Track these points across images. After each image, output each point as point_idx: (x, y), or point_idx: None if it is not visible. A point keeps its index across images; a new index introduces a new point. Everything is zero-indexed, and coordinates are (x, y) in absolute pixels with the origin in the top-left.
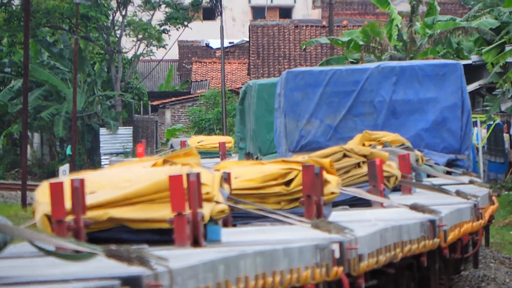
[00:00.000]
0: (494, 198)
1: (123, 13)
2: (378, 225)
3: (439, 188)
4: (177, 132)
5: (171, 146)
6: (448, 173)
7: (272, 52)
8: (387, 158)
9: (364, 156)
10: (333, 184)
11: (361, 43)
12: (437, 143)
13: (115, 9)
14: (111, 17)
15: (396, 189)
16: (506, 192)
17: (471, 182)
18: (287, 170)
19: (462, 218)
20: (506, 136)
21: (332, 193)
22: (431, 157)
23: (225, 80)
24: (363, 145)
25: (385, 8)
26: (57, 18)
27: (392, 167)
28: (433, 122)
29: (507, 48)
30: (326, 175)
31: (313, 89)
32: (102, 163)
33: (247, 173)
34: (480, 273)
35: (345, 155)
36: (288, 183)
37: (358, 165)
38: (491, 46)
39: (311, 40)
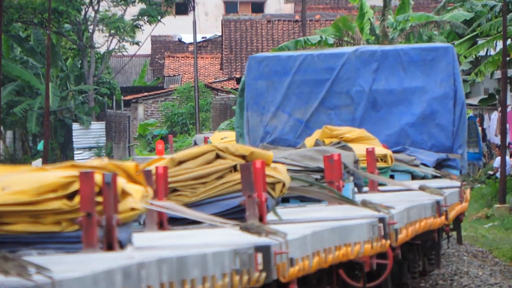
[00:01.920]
0: (466, 193)
1: (96, 8)
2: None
3: (344, 199)
4: (150, 127)
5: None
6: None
7: (244, 46)
8: (271, 159)
9: (243, 157)
10: (135, 197)
11: (331, 41)
12: (425, 140)
13: (87, 4)
14: (83, 12)
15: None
16: (479, 185)
17: (421, 188)
18: (71, 178)
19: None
20: (479, 129)
21: (133, 209)
22: (417, 157)
23: (198, 75)
24: (323, 143)
25: (357, 2)
26: (29, 13)
27: (279, 171)
28: (420, 115)
29: (480, 41)
30: (127, 185)
31: (280, 78)
32: (75, 158)
33: (20, 182)
34: (453, 266)
35: (218, 156)
36: (71, 196)
37: (234, 168)
38: (463, 39)
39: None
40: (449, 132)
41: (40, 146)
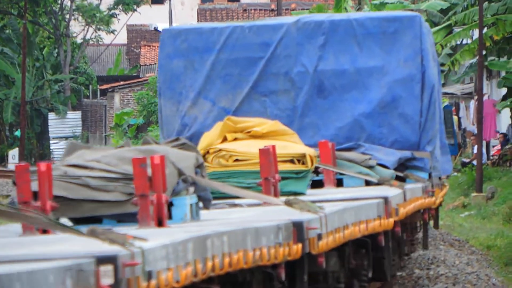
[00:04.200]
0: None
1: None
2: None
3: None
4: (126, 117)
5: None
6: (401, 178)
7: None
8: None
9: None
10: None
11: None
12: (385, 135)
13: None
14: (60, 1)
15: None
16: (455, 174)
17: (288, 204)
18: None
19: None
20: (455, 118)
21: None
22: (373, 155)
23: None
24: (224, 138)
25: None
26: (5, 3)
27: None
28: (379, 103)
29: (455, 30)
30: None
31: (202, 56)
32: (51, 148)
33: None
34: (430, 255)
35: None
36: None
37: None
38: (439, 27)
39: None
40: (415, 124)
41: (18, 133)
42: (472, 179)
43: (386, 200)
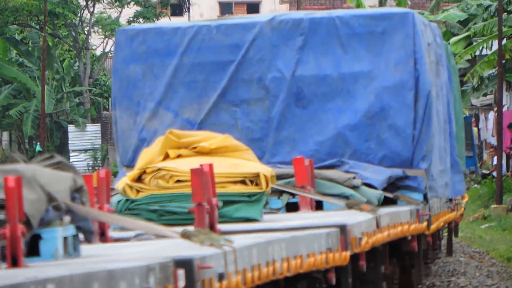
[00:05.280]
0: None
1: (91, 10)
2: None
3: None
4: None
5: None
6: (391, 200)
7: None
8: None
9: None
10: None
11: None
12: (372, 150)
13: (83, 6)
14: (79, 14)
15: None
16: (476, 186)
17: (186, 236)
18: None
19: None
20: (474, 130)
21: None
22: (359, 174)
23: None
24: (166, 155)
25: (352, 2)
26: (25, 16)
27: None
28: (366, 113)
29: (475, 42)
30: None
31: (163, 60)
32: (71, 160)
33: None
34: (450, 267)
35: None
36: None
37: None
38: (459, 37)
39: None
40: (408, 138)
41: (38, 148)
42: (492, 191)
43: (343, 229)
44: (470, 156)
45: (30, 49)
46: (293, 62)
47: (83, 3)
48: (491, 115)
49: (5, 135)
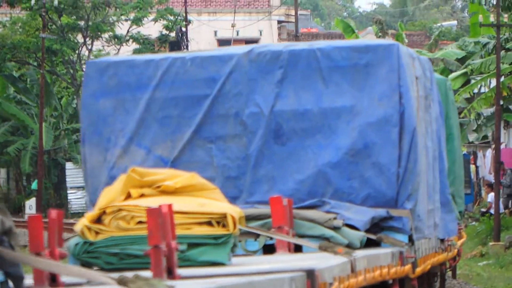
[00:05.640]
0: None
1: (90, 47)
2: None
3: None
4: None
5: None
6: (375, 242)
7: None
8: None
9: None
10: None
11: None
12: (355, 189)
13: (81, 43)
14: (77, 51)
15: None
16: (474, 223)
17: (122, 283)
18: None
19: None
20: (472, 167)
21: None
22: (340, 214)
23: None
24: (128, 195)
25: (351, 39)
26: (23, 53)
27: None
28: (348, 150)
29: (473, 80)
30: None
31: (134, 94)
32: (68, 198)
33: None
34: None
35: None
36: None
37: None
38: (457, 73)
39: None
40: (392, 176)
41: (34, 185)
42: (490, 228)
43: (310, 273)
44: (467, 194)
45: (28, 86)
46: (271, 97)
47: (81, 40)
48: (489, 152)
49: (3, 172)
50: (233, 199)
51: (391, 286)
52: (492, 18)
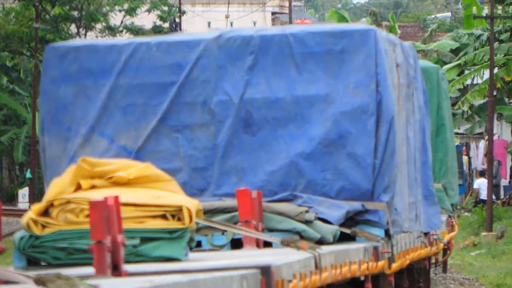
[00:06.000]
0: None
1: (83, 38)
2: None
3: None
4: None
5: None
6: (349, 237)
7: None
8: None
9: None
10: None
11: None
12: (329, 181)
13: (74, 34)
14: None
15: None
16: (466, 214)
17: (40, 282)
18: None
19: None
20: (465, 158)
21: None
22: (313, 208)
23: None
24: (79, 186)
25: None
26: (16, 43)
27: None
28: (322, 140)
29: (466, 71)
30: None
31: (97, 81)
32: None
33: None
34: None
35: None
36: None
37: None
38: (451, 65)
39: None
40: (368, 168)
41: (29, 174)
42: (482, 219)
43: (265, 270)
44: (460, 185)
45: (21, 76)
46: (241, 84)
47: (74, 30)
48: (482, 143)
49: None
50: (200, 191)
51: (363, 283)
52: (486, 11)
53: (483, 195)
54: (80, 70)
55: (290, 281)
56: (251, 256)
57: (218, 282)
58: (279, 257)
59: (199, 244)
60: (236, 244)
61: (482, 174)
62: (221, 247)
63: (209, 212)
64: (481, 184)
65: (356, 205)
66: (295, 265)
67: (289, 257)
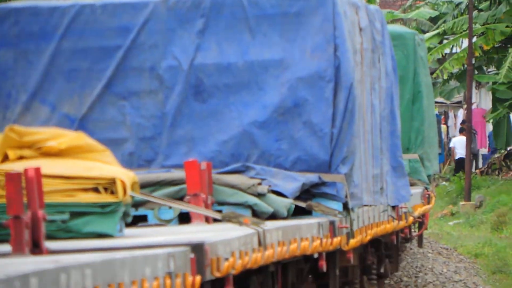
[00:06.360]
0: None
1: None
2: None
3: None
4: None
5: None
6: (304, 210)
7: None
8: None
9: None
10: None
11: None
12: (284, 151)
13: None
14: None
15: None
16: (444, 183)
17: None
18: None
19: None
20: (443, 127)
21: None
22: (267, 180)
23: None
24: (5, 156)
25: None
26: None
27: None
28: (277, 108)
29: (445, 40)
30: None
31: (38, 45)
32: None
33: None
34: (418, 263)
35: None
36: None
37: None
38: (431, 34)
39: None
40: (326, 137)
41: None
42: (461, 188)
43: (198, 247)
44: (438, 154)
45: None
46: (191, 49)
47: None
48: (461, 112)
49: None
50: (148, 162)
51: (317, 261)
52: None
53: (459, 154)
54: (20, 33)
55: (227, 259)
56: (192, 232)
57: (140, 261)
58: (218, 233)
59: (145, 218)
60: (185, 218)
61: (461, 131)
62: (168, 221)
63: (157, 184)
64: (456, 142)
65: (312, 177)
66: (234, 242)
67: (227, 234)
